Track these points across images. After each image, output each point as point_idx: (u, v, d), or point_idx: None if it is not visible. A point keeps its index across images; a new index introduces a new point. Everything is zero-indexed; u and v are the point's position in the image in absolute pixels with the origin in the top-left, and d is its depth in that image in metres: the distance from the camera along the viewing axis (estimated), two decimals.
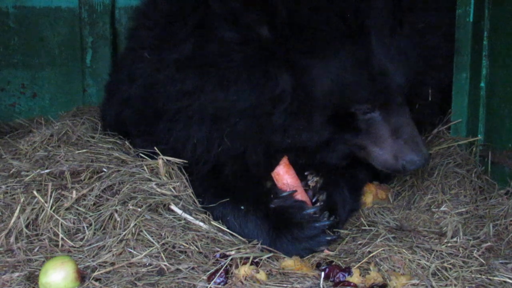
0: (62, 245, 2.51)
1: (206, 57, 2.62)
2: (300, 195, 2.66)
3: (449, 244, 2.54)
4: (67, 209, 2.61)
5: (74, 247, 2.50)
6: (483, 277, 2.35)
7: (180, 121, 2.75)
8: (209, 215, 2.67)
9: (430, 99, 3.12)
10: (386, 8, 2.72)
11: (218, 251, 2.46)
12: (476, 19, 3.22)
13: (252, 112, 2.61)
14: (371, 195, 2.97)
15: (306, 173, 2.83)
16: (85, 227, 2.56)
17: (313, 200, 2.72)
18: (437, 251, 2.48)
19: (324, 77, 2.60)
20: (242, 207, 2.62)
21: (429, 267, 2.37)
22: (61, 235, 2.52)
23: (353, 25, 2.58)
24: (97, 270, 2.34)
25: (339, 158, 2.82)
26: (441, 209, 2.83)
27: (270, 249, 2.51)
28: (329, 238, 2.55)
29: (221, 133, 2.66)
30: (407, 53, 2.76)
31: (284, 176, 2.71)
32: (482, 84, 3.24)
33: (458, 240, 2.57)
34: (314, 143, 2.71)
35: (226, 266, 2.32)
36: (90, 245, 2.49)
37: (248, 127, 2.65)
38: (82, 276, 2.28)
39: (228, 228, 2.62)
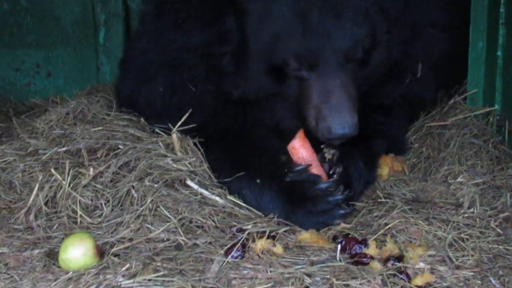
0: (81, 222, 2.54)
1: (168, 2, 2.72)
2: (316, 169, 2.65)
3: (465, 215, 2.53)
4: (84, 186, 2.64)
5: (93, 223, 2.53)
6: (500, 247, 2.35)
7: (149, 73, 2.87)
8: (225, 190, 2.67)
9: (419, 74, 2.91)
10: None
11: (234, 226, 2.47)
12: None
13: (204, 51, 2.66)
14: (387, 167, 2.95)
15: (322, 146, 2.82)
16: (103, 204, 2.59)
17: (330, 173, 2.71)
18: (453, 222, 2.47)
19: (262, 24, 2.59)
20: (258, 181, 2.62)
21: (446, 238, 2.37)
22: (79, 212, 2.55)
23: None
24: (115, 246, 2.37)
25: (288, 119, 2.77)
26: (458, 180, 2.81)
27: (287, 222, 2.51)
28: (343, 212, 2.53)
29: (182, 78, 2.73)
30: (371, 16, 2.63)
31: (300, 149, 2.70)
32: (499, 53, 3.19)
33: (475, 210, 2.56)
34: (259, 95, 2.70)
35: (243, 240, 2.34)
36: (108, 221, 2.52)
37: (203, 69, 2.70)
38: (101, 252, 2.30)
39: (244, 202, 2.63)
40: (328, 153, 2.75)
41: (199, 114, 2.83)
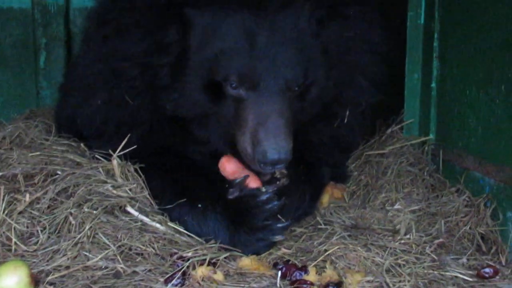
0: (16, 250, 2.46)
1: (113, 10, 2.74)
2: (253, 179, 2.64)
3: (402, 241, 2.60)
4: (20, 212, 2.56)
5: (28, 251, 2.45)
6: (435, 272, 2.42)
7: (90, 87, 2.86)
8: (166, 217, 2.65)
9: (345, 120, 2.93)
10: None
11: (175, 253, 2.45)
12: (427, 21, 3.30)
13: (143, 61, 2.65)
14: (327, 194, 3.00)
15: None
16: (39, 231, 2.52)
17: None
18: (391, 248, 2.53)
19: (207, 39, 2.62)
20: (200, 205, 2.61)
21: (383, 263, 2.42)
22: (14, 239, 2.47)
23: None
24: (51, 274, 2.30)
25: (221, 140, 2.75)
26: (395, 207, 2.88)
27: (228, 247, 2.51)
28: (281, 225, 2.53)
29: (121, 90, 2.71)
30: (314, 55, 2.69)
31: (227, 164, 2.71)
32: (433, 85, 3.32)
33: (411, 237, 2.63)
34: (193, 113, 2.71)
35: (183, 267, 2.32)
36: (44, 249, 2.45)
37: (141, 81, 2.69)
38: (36, 280, 2.24)
39: (186, 228, 2.61)
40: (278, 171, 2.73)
41: (137, 131, 2.79)
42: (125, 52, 2.68)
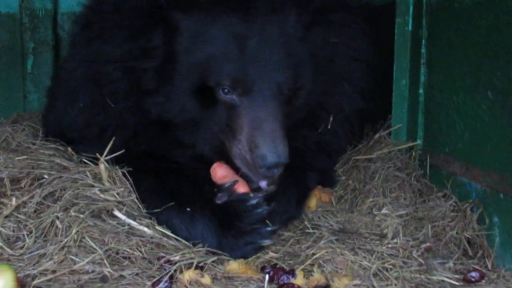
0: (1, 254, 2.44)
1: (99, 12, 2.75)
2: (242, 185, 2.64)
3: (389, 245, 2.61)
4: (6, 216, 2.54)
5: (14, 255, 2.43)
6: (422, 276, 2.43)
7: (74, 90, 2.85)
8: (154, 220, 2.64)
9: (329, 126, 2.95)
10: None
11: (162, 256, 2.44)
12: (414, 28, 3.33)
13: (126, 64, 2.64)
14: (315, 199, 3.01)
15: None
16: (25, 235, 2.50)
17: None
18: (378, 252, 2.54)
19: (196, 44, 2.61)
20: (188, 209, 2.60)
21: (371, 267, 2.43)
22: (0, 243, 2.45)
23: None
24: (37, 278, 2.29)
25: (208, 145, 2.73)
26: (382, 211, 2.89)
27: (216, 251, 2.50)
28: (270, 229, 2.53)
29: (103, 94, 2.70)
30: (303, 60, 2.70)
31: (218, 169, 2.71)
32: (421, 91, 3.34)
33: (398, 241, 2.64)
34: (180, 118, 2.68)
35: (171, 271, 2.31)
36: (30, 253, 2.43)
37: (124, 85, 2.68)
38: (22, 284, 2.22)
39: (174, 232, 2.59)
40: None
41: (120, 135, 2.78)
42: (108, 55, 2.68)
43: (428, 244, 2.66)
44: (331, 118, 2.95)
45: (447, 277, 2.45)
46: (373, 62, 3.11)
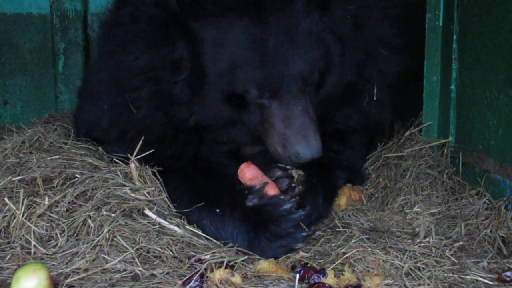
0: (35, 253, 2.47)
1: (120, 19, 2.74)
2: (270, 187, 2.64)
3: (422, 244, 2.57)
4: (39, 216, 2.58)
5: (47, 254, 2.47)
6: (455, 276, 2.38)
7: (98, 92, 2.89)
8: (184, 220, 2.65)
9: (375, 97, 2.90)
10: None
11: (193, 256, 2.45)
12: (445, 23, 3.28)
13: (150, 75, 2.65)
14: (344, 197, 2.99)
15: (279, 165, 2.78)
16: (58, 234, 2.53)
17: (286, 188, 2.69)
18: (410, 251, 2.50)
19: (218, 52, 2.60)
20: (218, 210, 2.60)
21: (403, 267, 2.40)
22: (33, 242, 2.49)
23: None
24: (70, 277, 2.31)
25: (249, 136, 2.78)
26: (414, 210, 2.86)
27: (246, 251, 2.50)
28: (305, 234, 2.53)
29: (125, 99, 2.71)
30: (323, 39, 2.65)
31: (247, 170, 2.70)
32: (452, 87, 3.30)
33: (431, 240, 2.59)
34: (217, 122, 2.72)
35: (201, 270, 2.32)
36: (63, 251, 2.46)
37: (150, 94, 2.69)
38: (55, 283, 2.24)
39: (204, 232, 2.61)
40: (295, 172, 2.73)
41: (146, 138, 2.78)
42: (129, 65, 2.68)
43: (461, 242, 2.61)
44: (375, 88, 2.90)
45: (481, 277, 2.40)
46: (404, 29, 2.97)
